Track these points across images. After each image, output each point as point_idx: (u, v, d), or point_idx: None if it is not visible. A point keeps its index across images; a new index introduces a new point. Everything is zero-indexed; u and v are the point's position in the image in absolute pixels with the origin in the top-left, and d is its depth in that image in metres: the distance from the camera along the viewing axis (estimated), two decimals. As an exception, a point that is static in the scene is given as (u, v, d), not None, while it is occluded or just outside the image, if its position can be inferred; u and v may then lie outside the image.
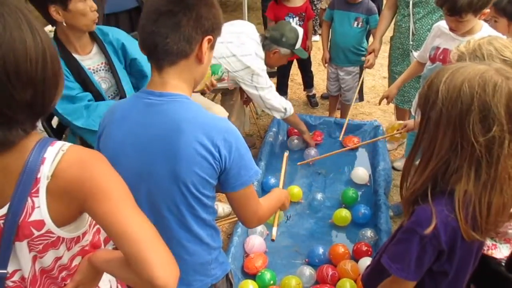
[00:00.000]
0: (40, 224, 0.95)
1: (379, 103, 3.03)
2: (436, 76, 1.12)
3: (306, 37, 4.09)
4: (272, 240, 1.73)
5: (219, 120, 1.21)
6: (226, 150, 1.17)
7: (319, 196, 2.94)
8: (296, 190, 2.96)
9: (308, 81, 4.51)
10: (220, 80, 2.54)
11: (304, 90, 4.65)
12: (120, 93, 2.12)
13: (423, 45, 2.65)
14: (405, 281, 1.21)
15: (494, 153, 1.07)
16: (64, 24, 1.86)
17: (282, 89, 4.41)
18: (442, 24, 2.41)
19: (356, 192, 2.95)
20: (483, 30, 2.25)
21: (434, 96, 1.10)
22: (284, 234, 2.69)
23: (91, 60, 2.02)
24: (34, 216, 0.94)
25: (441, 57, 2.42)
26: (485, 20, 2.32)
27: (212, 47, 1.24)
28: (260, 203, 1.33)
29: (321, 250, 2.52)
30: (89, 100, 1.99)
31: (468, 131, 1.05)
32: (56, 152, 0.95)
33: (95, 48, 2.04)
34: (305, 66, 4.40)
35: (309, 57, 4.31)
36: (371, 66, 3.59)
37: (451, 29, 2.30)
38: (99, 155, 1.00)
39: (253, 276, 2.37)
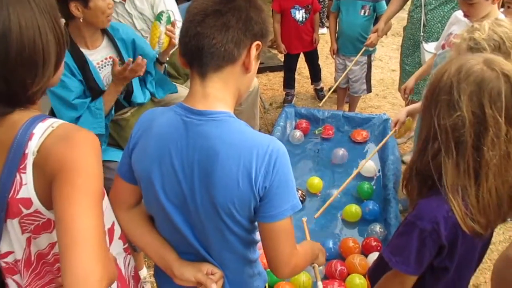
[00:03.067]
0: (27, 202, 0.93)
1: (403, 99, 2.90)
2: (435, 69, 1.18)
3: (313, 29, 4.05)
4: None
5: (263, 141, 1.06)
6: (268, 174, 1.04)
7: (335, 192, 2.88)
8: (316, 181, 2.96)
9: (315, 74, 4.47)
10: (173, 24, 2.17)
11: (311, 84, 4.61)
12: (128, 88, 2.13)
13: (441, 36, 2.61)
14: (405, 274, 1.19)
15: (462, 142, 1.06)
16: (81, 20, 1.88)
17: (289, 82, 4.38)
18: (458, 13, 2.41)
19: (372, 186, 2.92)
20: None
21: (427, 87, 1.16)
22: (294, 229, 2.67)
23: (99, 54, 2.04)
24: (22, 194, 0.93)
25: (452, 43, 2.40)
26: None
27: (259, 56, 1.12)
28: (297, 251, 1.17)
29: (331, 244, 2.50)
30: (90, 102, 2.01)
31: (434, 113, 1.08)
32: (46, 128, 0.92)
33: (104, 42, 2.06)
34: (312, 59, 4.36)
35: (316, 50, 4.27)
36: (371, 45, 3.54)
37: (465, 15, 2.27)
38: (91, 138, 0.95)
39: (262, 272, 2.36)
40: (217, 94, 1.08)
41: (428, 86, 1.14)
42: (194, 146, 1.07)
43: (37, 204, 0.94)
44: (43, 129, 0.92)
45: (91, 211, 0.89)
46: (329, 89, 4.66)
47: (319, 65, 4.45)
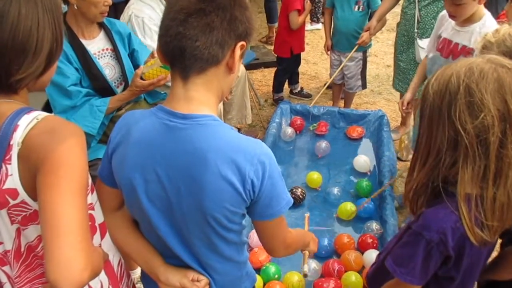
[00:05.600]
0: (14, 193, 0.94)
1: (402, 113, 2.77)
2: (431, 76, 1.11)
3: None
4: (305, 276, 1.67)
5: (250, 145, 1.05)
6: (258, 179, 1.03)
7: (335, 190, 2.89)
8: (315, 176, 2.96)
9: (294, 77, 4.47)
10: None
11: (289, 86, 4.56)
12: (124, 80, 2.16)
13: (431, 36, 2.58)
14: (409, 285, 1.17)
15: (489, 144, 1.02)
16: (75, 8, 1.93)
17: (282, 85, 4.37)
18: (446, 13, 2.36)
19: (370, 183, 2.91)
20: (483, 20, 2.18)
21: (427, 94, 1.09)
22: (289, 226, 2.66)
23: (96, 45, 2.06)
24: (8, 184, 0.94)
25: (440, 47, 2.36)
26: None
27: (243, 55, 1.09)
28: (289, 231, 1.21)
29: (326, 242, 2.49)
30: (86, 94, 2.01)
31: (455, 119, 1.02)
32: (30, 120, 0.94)
33: (101, 34, 2.10)
34: (298, 62, 4.34)
35: (299, 55, 4.26)
36: (364, 44, 3.52)
37: (450, 16, 2.22)
38: (75, 131, 0.96)
39: (257, 270, 2.35)
40: (201, 98, 1.05)
41: (433, 93, 1.08)
42: (179, 151, 1.04)
43: (23, 194, 0.95)
44: (28, 121, 0.94)
45: (74, 201, 0.90)
46: (324, 85, 4.67)
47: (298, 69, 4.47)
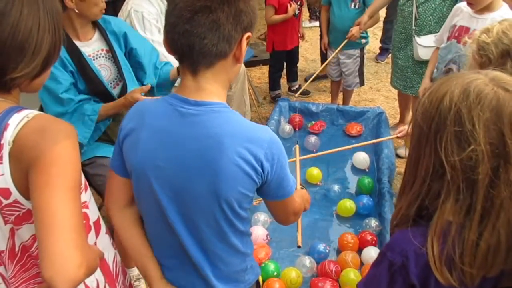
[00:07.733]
0: (6, 192, 0.94)
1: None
2: (429, 89, 0.97)
3: (299, 24, 4.05)
4: (299, 247, 1.71)
5: (260, 131, 1.10)
6: (268, 163, 1.08)
7: (335, 187, 2.89)
8: (315, 172, 2.96)
9: (291, 75, 4.47)
10: None
11: (288, 82, 4.58)
12: (121, 81, 2.13)
13: (442, 28, 2.62)
14: None
15: (475, 181, 0.87)
16: (76, 11, 1.91)
17: (278, 82, 4.36)
18: (462, 4, 2.43)
19: (372, 181, 2.92)
20: (502, 10, 2.25)
21: (417, 110, 0.96)
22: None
23: (91, 47, 2.04)
24: (0, 184, 0.94)
25: (456, 34, 2.42)
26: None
27: (248, 44, 1.11)
28: (296, 201, 1.26)
29: (322, 246, 2.46)
30: (78, 101, 1.99)
31: (440, 149, 0.88)
32: (21, 119, 0.94)
33: (96, 35, 2.07)
34: (296, 56, 4.34)
35: (297, 51, 4.25)
36: (353, 38, 3.51)
37: (468, 3, 2.28)
38: (68, 128, 0.96)
39: (256, 267, 2.35)
40: (211, 88, 1.08)
41: (422, 112, 0.93)
42: (192, 136, 1.06)
43: (15, 194, 0.95)
44: (18, 120, 0.94)
45: (68, 199, 0.90)
46: (313, 75, 4.66)
47: (297, 67, 4.45)
